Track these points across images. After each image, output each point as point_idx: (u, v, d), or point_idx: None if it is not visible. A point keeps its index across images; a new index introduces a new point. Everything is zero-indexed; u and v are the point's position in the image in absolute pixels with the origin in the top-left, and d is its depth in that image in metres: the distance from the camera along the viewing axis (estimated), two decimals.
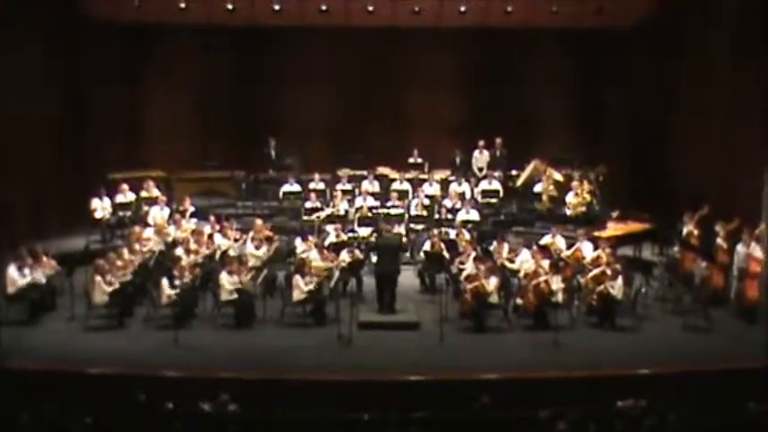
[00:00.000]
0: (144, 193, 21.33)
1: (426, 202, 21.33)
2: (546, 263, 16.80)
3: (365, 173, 22.78)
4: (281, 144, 23.70)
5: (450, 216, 20.48)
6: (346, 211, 21.04)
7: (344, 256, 17.65)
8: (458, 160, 23.43)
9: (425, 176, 22.97)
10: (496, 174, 22.97)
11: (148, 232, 19.10)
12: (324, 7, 22.99)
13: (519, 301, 16.73)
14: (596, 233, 19.46)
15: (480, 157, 23.47)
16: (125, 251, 17.54)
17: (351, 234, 19.48)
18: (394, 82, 25.85)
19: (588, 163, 22.95)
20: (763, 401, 11.98)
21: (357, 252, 17.90)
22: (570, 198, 21.24)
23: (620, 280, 16.25)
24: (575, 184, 21.37)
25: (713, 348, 15.18)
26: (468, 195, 21.83)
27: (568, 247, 18.33)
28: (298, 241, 18.77)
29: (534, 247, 17.70)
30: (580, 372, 14.02)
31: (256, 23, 24.12)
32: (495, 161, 23.40)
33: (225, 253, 18.28)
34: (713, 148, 21.07)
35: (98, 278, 16.09)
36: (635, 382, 13.49)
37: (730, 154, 20.44)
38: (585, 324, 16.47)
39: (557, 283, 16.26)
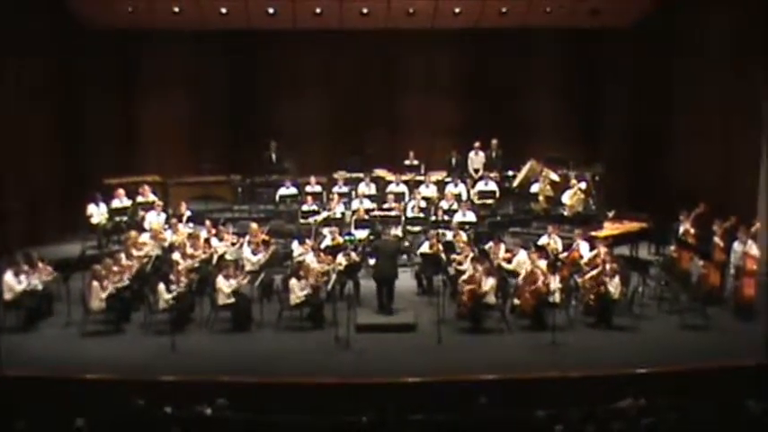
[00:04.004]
0: (140, 198, 21.23)
1: (423, 203, 21.29)
2: (543, 263, 16.81)
3: (361, 175, 22.78)
4: (281, 147, 23.69)
5: (446, 217, 20.44)
6: (343, 214, 21.03)
7: (341, 259, 17.63)
8: (454, 162, 23.41)
9: (422, 178, 22.92)
10: (493, 175, 22.94)
11: (145, 237, 19.04)
12: (318, 10, 23.00)
13: (516, 301, 16.73)
14: (593, 233, 19.46)
15: (476, 159, 23.44)
16: (122, 256, 17.55)
17: (347, 237, 19.45)
18: (389, 83, 25.84)
19: (584, 163, 22.99)
20: (761, 399, 11.98)
21: (354, 255, 17.87)
22: (566, 198, 21.24)
23: (617, 279, 16.26)
24: (572, 183, 21.39)
25: (710, 347, 15.20)
26: (464, 197, 21.80)
27: (565, 248, 18.34)
28: (294, 244, 18.76)
29: (531, 248, 17.72)
30: (578, 372, 14.03)
31: (250, 27, 24.10)
32: (491, 162, 23.38)
33: (221, 257, 18.27)
34: (709, 146, 21.14)
35: (95, 284, 16.08)
36: (633, 382, 13.47)
37: (726, 153, 20.49)
38: (583, 324, 16.48)
39: (554, 284, 16.26)
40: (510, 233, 21.08)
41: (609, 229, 20.93)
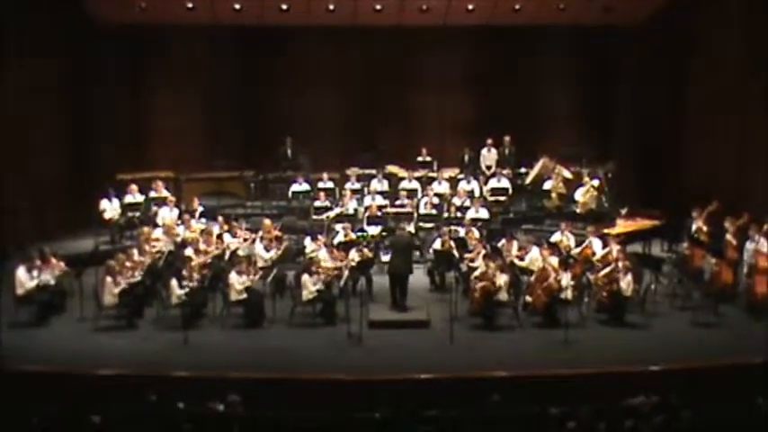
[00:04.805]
0: (153, 194, 21.24)
1: (435, 200, 21.27)
2: (555, 260, 16.79)
3: (374, 172, 22.78)
4: (297, 143, 23.70)
5: (459, 214, 20.43)
6: (355, 210, 21.03)
7: (354, 255, 17.62)
8: (466, 158, 23.38)
9: (434, 175, 22.94)
10: (505, 172, 22.89)
11: (158, 233, 19.07)
12: (331, 6, 22.98)
13: (528, 298, 16.70)
14: (605, 230, 19.40)
15: (488, 155, 23.41)
16: (135, 252, 17.54)
17: (360, 233, 19.45)
18: (402, 80, 25.77)
19: (597, 160, 22.96)
20: None
21: (366, 251, 17.87)
22: (579, 195, 21.21)
23: (629, 277, 16.23)
24: (585, 180, 21.35)
25: (722, 344, 15.18)
26: (477, 193, 21.79)
27: (578, 245, 18.29)
28: (307, 241, 18.78)
29: (544, 245, 17.69)
30: (590, 369, 14.02)
31: (263, 23, 24.08)
32: (503, 159, 23.35)
33: (234, 253, 18.28)
34: (722, 144, 21.09)
35: (108, 279, 16.12)
36: (645, 379, 13.47)
37: (739, 150, 20.43)
38: (595, 321, 16.48)
39: (566, 281, 16.24)
40: (522, 230, 21.04)
41: (621, 226, 20.83)
